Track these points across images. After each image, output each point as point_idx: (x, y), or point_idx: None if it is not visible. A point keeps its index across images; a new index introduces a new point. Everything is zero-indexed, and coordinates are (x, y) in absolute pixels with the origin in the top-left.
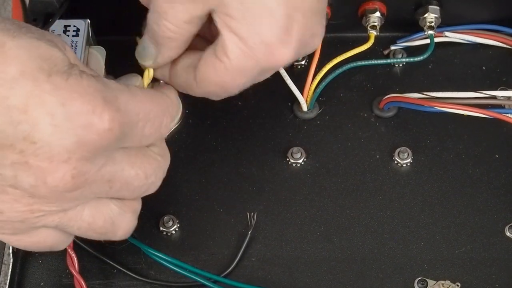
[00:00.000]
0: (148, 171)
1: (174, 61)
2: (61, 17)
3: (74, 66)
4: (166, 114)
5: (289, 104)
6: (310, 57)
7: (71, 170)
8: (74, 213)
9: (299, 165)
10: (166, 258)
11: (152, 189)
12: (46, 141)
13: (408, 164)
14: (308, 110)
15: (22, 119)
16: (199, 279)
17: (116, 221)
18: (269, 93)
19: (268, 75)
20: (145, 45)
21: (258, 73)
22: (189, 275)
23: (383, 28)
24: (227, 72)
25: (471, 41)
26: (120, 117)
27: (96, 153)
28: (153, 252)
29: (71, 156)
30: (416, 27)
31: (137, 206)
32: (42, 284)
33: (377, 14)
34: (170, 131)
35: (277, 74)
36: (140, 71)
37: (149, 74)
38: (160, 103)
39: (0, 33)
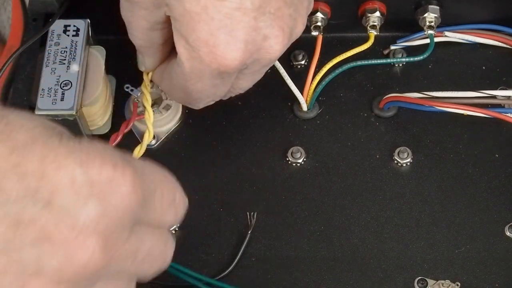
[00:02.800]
0: (168, 241)
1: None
2: (61, 17)
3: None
4: (177, 189)
5: (289, 104)
6: (310, 57)
7: (100, 243)
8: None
9: (299, 165)
10: None
11: (162, 265)
12: (68, 210)
13: (408, 164)
14: (308, 110)
15: (39, 185)
16: (195, 282)
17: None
18: (269, 93)
19: (229, 79)
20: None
21: (214, 76)
22: (185, 277)
23: (383, 28)
24: (184, 76)
25: (471, 41)
26: (139, 179)
27: (122, 221)
28: None
29: (96, 226)
30: (416, 27)
31: None
32: None
33: (377, 14)
34: (169, 132)
35: (277, 74)
36: (139, 71)
37: (148, 77)
38: (168, 176)
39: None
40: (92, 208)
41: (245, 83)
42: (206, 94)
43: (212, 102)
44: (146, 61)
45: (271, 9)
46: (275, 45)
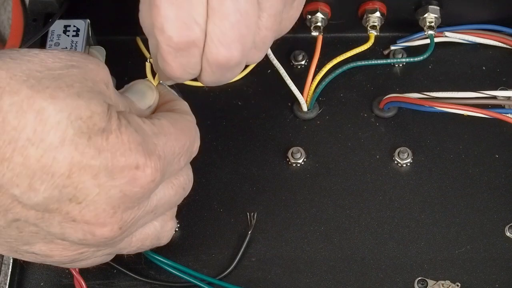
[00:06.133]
0: (185, 183)
1: None
2: (61, 17)
3: (112, 116)
4: (196, 140)
5: (289, 104)
6: (310, 57)
7: (118, 223)
8: (123, 244)
9: (299, 165)
10: (165, 261)
11: (186, 195)
12: (91, 201)
13: (408, 164)
14: (308, 110)
15: (66, 183)
16: (195, 282)
17: (160, 234)
18: (269, 93)
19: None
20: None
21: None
22: (186, 277)
23: (383, 28)
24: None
25: (471, 41)
26: (161, 165)
27: (140, 201)
28: (152, 254)
29: (116, 210)
30: (416, 27)
31: (175, 210)
32: (42, 284)
33: (377, 14)
34: None
35: (277, 74)
36: (139, 70)
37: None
38: (190, 131)
39: (36, 95)
40: (113, 199)
41: None
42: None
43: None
44: None
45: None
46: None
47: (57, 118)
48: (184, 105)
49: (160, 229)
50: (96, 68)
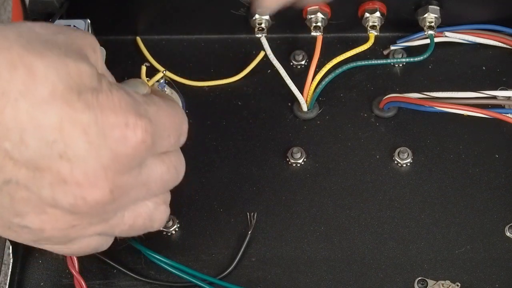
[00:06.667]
0: (177, 164)
1: None
2: (61, 17)
3: (102, 79)
4: (184, 122)
5: (289, 104)
6: (310, 57)
7: (109, 185)
8: (115, 220)
9: (299, 165)
10: (165, 260)
11: (179, 180)
12: (82, 158)
13: (408, 164)
14: (308, 110)
15: (57, 138)
16: (196, 281)
17: (153, 216)
18: (269, 93)
19: None
20: None
21: None
22: (186, 277)
23: (383, 28)
24: None
25: (471, 41)
26: (151, 128)
27: (131, 165)
28: (151, 254)
29: (107, 171)
30: (416, 27)
31: (168, 197)
32: (42, 284)
33: (377, 14)
34: None
35: (277, 74)
36: (139, 70)
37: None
38: (179, 113)
39: (26, 53)
40: (103, 157)
41: None
42: None
43: None
44: None
45: None
46: None
47: (47, 73)
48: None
49: (153, 209)
50: (82, 35)
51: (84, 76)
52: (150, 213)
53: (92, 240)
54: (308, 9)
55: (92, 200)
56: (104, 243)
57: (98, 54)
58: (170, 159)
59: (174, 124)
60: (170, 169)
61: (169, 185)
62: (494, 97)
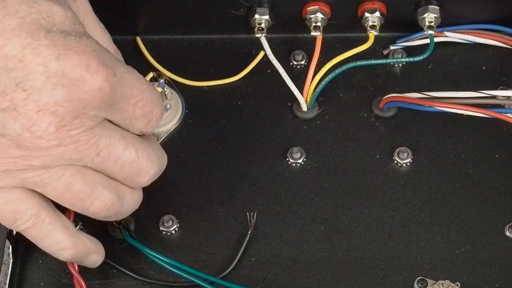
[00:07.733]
0: (139, 148)
1: None
2: None
3: (78, 26)
4: (158, 105)
5: (289, 104)
6: (310, 57)
7: (56, 122)
8: (55, 171)
9: (299, 165)
10: (165, 260)
11: (144, 177)
12: (37, 90)
13: (408, 164)
14: (308, 110)
15: (17, 66)
16: (196, 280)
17: (95, 192)
18: (269, 93)
19: None
20: None
21: None
22: (187, 276)
23: (383, 28)
24: None
25: (471, 41)
26: (113, 81)
27: (84, 111)
28: (151, 253)
29: (58, 108)
30: (416, 27)
31: (126, 192)
32: (42, 284)
33: (377, 14)
34: (169, 132)
35: (277, 74)
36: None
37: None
38: (154, 92)
39: None
40: (58, 93)
41: None
42: None
43: None
44: None
45: None
46: None
47: (18, 7)
48: None
49: (98, 185)
50: None
51: (57, 17)
52: (93, 186)
53: (22, 196)
54: (308, 9)
55: (37, 132)
56: (28, 212)
57: (82, 5)
58: (134, 140)
59: (144, 97)
60: (129, 149)
61: (126, 170)
62: (494, 97)
